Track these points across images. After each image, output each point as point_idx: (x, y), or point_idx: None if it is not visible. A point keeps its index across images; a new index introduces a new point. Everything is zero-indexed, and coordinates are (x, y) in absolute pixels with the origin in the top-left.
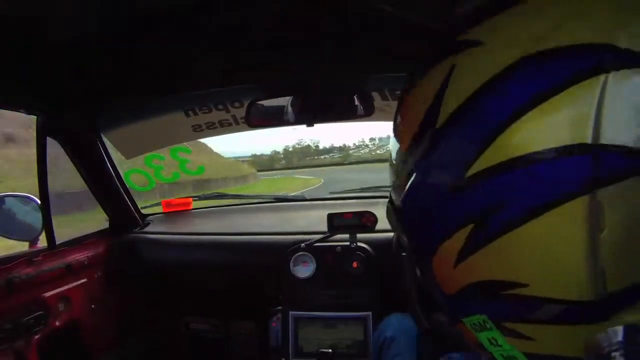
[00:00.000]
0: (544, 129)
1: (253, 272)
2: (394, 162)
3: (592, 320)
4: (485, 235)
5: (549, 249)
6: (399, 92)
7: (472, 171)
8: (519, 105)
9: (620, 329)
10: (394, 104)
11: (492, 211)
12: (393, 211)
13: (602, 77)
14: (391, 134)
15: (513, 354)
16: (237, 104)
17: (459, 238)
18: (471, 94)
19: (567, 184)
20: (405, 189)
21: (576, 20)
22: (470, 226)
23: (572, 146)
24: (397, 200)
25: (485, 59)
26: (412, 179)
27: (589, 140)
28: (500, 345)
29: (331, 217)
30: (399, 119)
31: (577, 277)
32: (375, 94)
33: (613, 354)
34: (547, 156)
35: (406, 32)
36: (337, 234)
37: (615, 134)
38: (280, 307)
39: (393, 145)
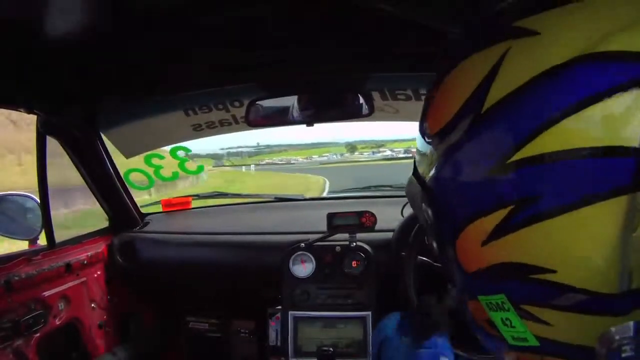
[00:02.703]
0: (593, 127)
1: (253, 272)
2: (426, 137)
3: (611, 313)
4: (521, 220)
5: (582, 241)
6: (399, 92)
7: (516, 157)
8: (573, 102)
9: (631, 324)
10: (394, 104)
11: (531, 199)
12: (420, 187)
13: None
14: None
15: (525, 336)
16: (237, 104)
17: (493, 219)
18: (525, 82)
19: (608, 183)
20: (440, 167)
21: None
22: (507, 209)
23: (618, 147)
24: (427, 176)
25: (544, 50)
26: (449, 158)
27: (636, 145)
28: (514, 327)
29: (331, 217)
30: (435, 98)
31: (605, 271)
32: (375, 94)
33: (624, 347)
34: (593, 153)
35: (406, 32)
36: (336, 233)
37: None
38: (279, 307)
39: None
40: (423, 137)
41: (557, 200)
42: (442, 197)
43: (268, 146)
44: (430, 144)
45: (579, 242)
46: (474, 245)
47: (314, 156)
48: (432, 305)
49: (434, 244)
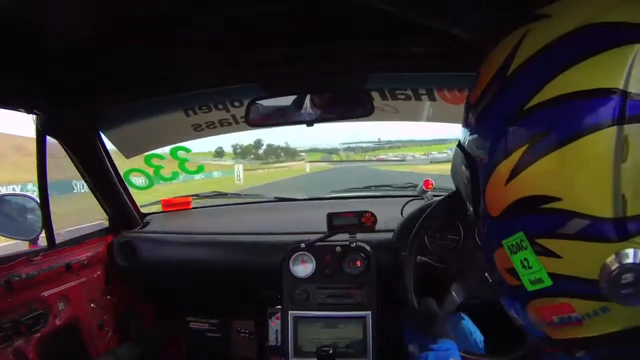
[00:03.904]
0: (588, 76)
1: (253, 272)
2: (471, 104)
3: (610, 239)
4: (534, 154)
5: (582, 169)
6: (399, 92)
7: (530, 104)
8: (573, 58)
9: (631, 252)
10: (394, 104)
11: (541, 135)
12: (460, 150)
13: (635, 47)
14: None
15: (540, 276)
16: (237, 104)
17: (514, 158)
18: (538, 49)
19: (600, 116)
20: (474, 128)
21: (622, 5)
22: (523, 147)
23: (606, 89)
24: (465, 140)
25: (553, 27)
26: (481, 118)
27: (620, 87)
28: (531, 267)
29: (331, 217)
30: (478, 75)
31: (602, 196)
32: (375, 94)
33: (624, 275)
34: (587, 95)
35: (406, 31)
36: (336, 233)
37: None
38: (279, 307)
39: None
40: (467, 108)
41: (562, 133)
42: (475, 153)
43: (389, 142)
44: (470, 113)
45: (580, 170)
46: (498, 187)
47: (433, 152)
48: (433, 308)
49: (469, 207)
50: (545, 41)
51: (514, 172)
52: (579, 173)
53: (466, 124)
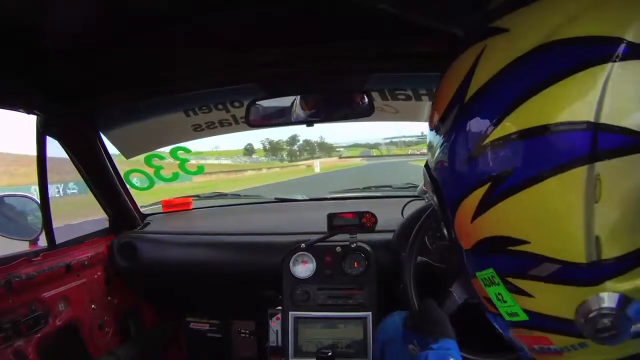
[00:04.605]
0: (552, 107)
1: (253, 272)
2: (431, 129)
3: (584, 283)
4: (498, 194)
5: (550, 211)
6: (399, 92)
7: (489, 139)
8: (534, 85)
9: (606, 296)
10: (394, 104)
11: (505, 174)
12: (427, 174)
13: (608, 67)
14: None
15: (516, 310)
16: (237, 104)
17: (477, 196)
18: (495, 74)
19: (568, 155)
20: (437, 155)
21: (590, 13)
22: (486, 186)
23: (575, 122)
24: (431, 164)
25: (510, 44)
26: (442, 145)
27: (591, 119)
28: (505, 301)
29: (331, 217)
30: (437, 94)
31: (573, 240)
32: (375, 94)
33: (601, 320)
34: (553, 129)
35: (406, 31)
36: (337, 234)
37: (617, 116)
38: (280, 307)
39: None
40: (430, 128)
41: (526, 173)
42: (440, 181)
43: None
44: (434, 135)
45: (547, 212)
46: (465, 223)
47: None
48: (434, 309)
49: (444, 230)
50: (502, 63)
51: (478, 211)
52: (547, 216)
53: (430, 146)
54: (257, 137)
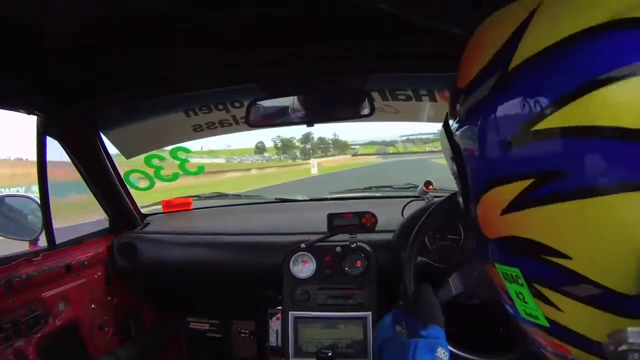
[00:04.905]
0: (631, 104)
1: (253, 272)
2: (459, 89)
3: (626, 315)
4: (542, 195)
5: (605, 232)
6: (399, 92)
7: (542, 126)
8: (614, 70)
9: None
10: (394, 104)
11: (555, 174)
12: (448, 139)
13: None
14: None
15: (537, 314)
16: (237, 104)
17: (514, 188)
18: (555, 42)
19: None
20: (464, 126)
21: None
22: (528, 181)
23: None
24: (455, 131)
25: (578, 9)
26: (473, 117)
27: None
28: (526, 303)
29: (331, 217)
30: (466, 51)
31: (625, 269)
32: (375, 94)
33: (634, 355)
34: (628, 136)
35: (406, 31)
36: (337, 234)
37: None
38: (280, 307)
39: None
40: (454, 93)
41: (585, 182)
42: (465, 156)
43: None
44: (459, 102)
45: (602, 232)
46: (493, 213)
47: None
48: (428, 293)
49: (459, 199)
50: (566, 31)
51: (513, 207)
52: (603, 235)
53: (452, 114)
54: (269, 135)
